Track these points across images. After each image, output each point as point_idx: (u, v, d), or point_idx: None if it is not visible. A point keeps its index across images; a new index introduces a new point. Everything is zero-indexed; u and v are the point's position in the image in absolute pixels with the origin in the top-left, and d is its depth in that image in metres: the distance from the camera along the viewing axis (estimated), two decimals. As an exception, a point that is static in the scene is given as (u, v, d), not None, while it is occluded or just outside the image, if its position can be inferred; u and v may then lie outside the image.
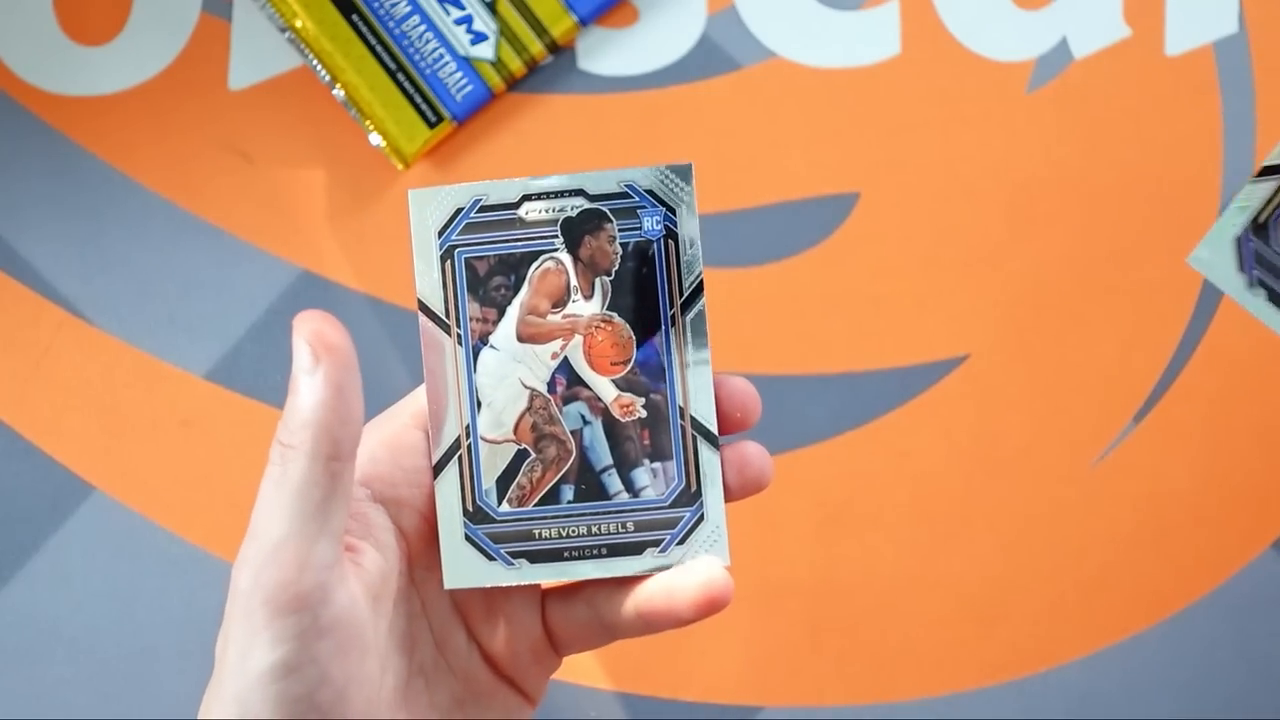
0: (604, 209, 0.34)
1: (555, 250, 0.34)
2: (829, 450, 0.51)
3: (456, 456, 0.34)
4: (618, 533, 0.34)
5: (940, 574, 0.51)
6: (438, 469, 0.34)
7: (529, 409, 0.34)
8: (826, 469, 0.51)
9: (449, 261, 0.34)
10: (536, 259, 0.34)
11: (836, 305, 0.51)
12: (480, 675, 0.35)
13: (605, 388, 0.34)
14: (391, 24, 0.50)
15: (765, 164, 0.51)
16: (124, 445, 0.51)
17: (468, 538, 0.34)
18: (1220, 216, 0.47)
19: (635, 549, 0.34)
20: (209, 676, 0.31)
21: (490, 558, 0.34)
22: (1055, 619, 0.51)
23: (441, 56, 0.50)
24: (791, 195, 0.51)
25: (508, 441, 0.34)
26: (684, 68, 0.52)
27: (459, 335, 0.34)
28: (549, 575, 0.34)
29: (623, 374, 0.34)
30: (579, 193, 0.34)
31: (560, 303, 0.34)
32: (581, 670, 0.51)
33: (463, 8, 0.50)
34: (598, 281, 0.34)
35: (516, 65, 0.51)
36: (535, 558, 0.34)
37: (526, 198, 0.34)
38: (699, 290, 0.34)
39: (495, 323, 0.34)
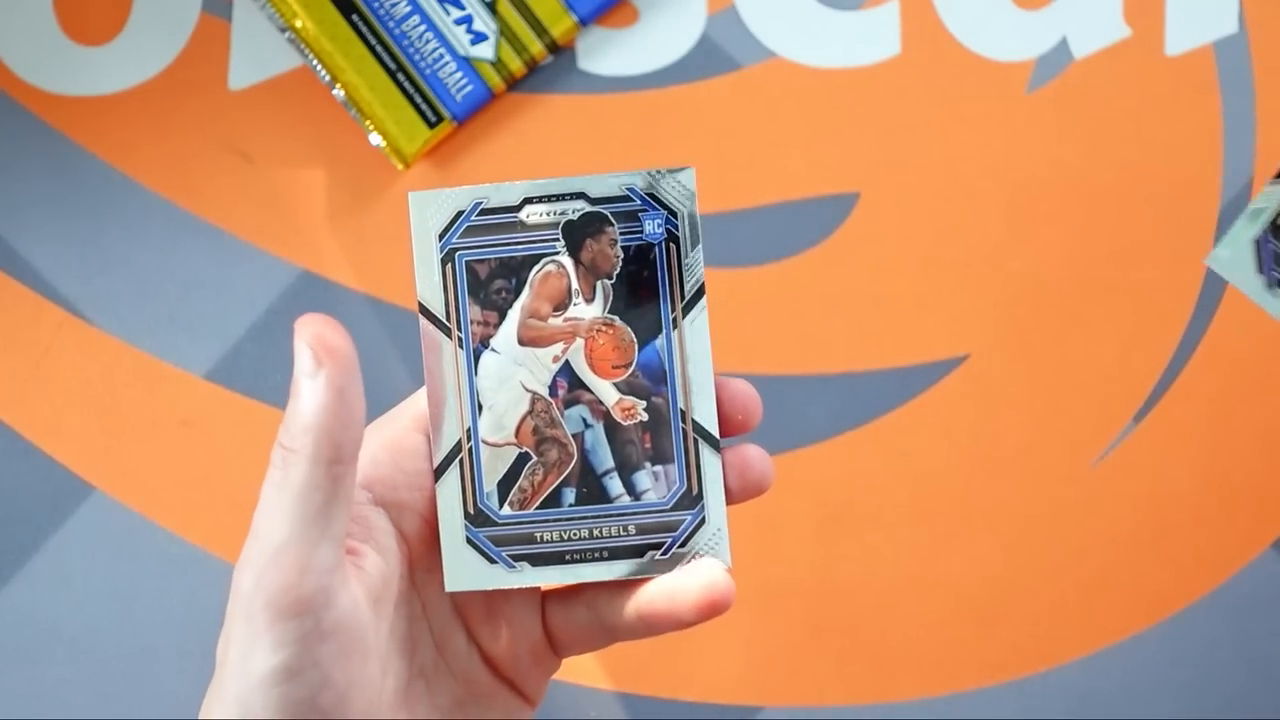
0: (605, 212, 0.34)
1: (556, 253, 0.34)
2: (829, 450, 0.51)
3: (458, 460, 0.34)
4: (619, 536, 0.34)
5: (940, 574, 0.51)
6: (439, 472, 0.34)
7: (530, 412, 0.34)
8: (826, 469, 0.51)
9: (450, 264, 0.34)
10: (537, 262, 0.34)
11: (836, 305, 0.51)
12: (480, 677, 0.35)
13: (607, 391, 0.34)
14: (391, 24, 0.50)
15: (765, 164, 0.51)
16: (124, 445, 0.51)
17: (469, 540, 0.34)
18: (1239, 217, 0.47)
19: (637, 552, 0.34)
20: (209, 676, 0.31)
21: (492, 560, 0.34)
22: (1055, 619, 0.51)
23: (441, 56, 0.50)
24: (791, 195, 0.51)
25: (509, 445, 0.34)
26: (684, 68, 0.52)
27: (460, 338, 0.34)
28: (550, 578, 0.34)
29: (624, 377, 0.34)
30: (580, 196, 0.34)
31: (561, 306, 0.34)
32: (581, 670, 0.51)
33: (463, 8, 0.50)
34: (599, 285, 0.34)
35: (516, 65, 0.51)
36: (537, 560, 0.34)
37: (527, 201, 0.34)
38: (700, 293, 0.34)
39: (496, 326, 0.34)
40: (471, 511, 0.34)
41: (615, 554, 0.34)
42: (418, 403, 0.34)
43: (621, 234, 0.34)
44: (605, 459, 0.34)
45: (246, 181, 0.51)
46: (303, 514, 0.29)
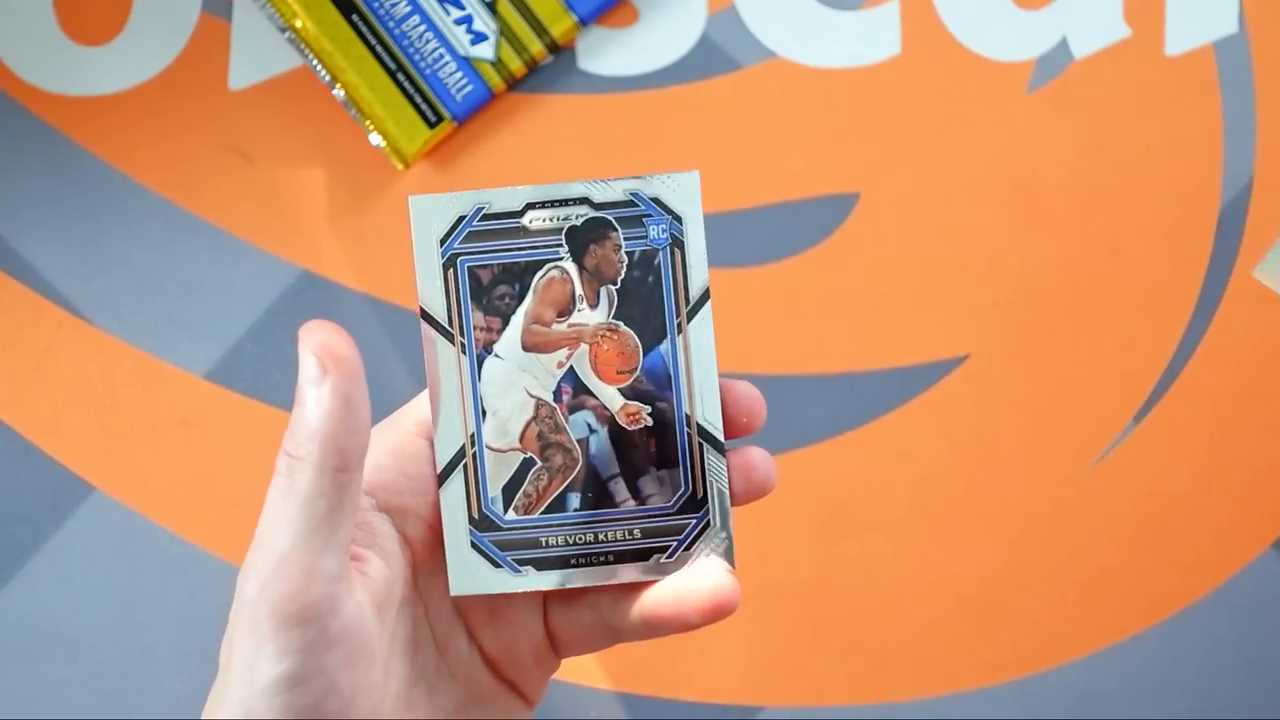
0: (609, 217, 0.33)
1: (560, 259, 0.34)
2: (829, 450, 0.51)
3: (461, 465, 0.34)
4: (624, 539, 0.34)
5: (940, 574, 0.51)
6: (442, 478, 0.34)
7: (535, 418, 0.34)
8: (826, 469, 0.51)
9: (451, 270, 0.34)
10: (541, 268, 0.34)
11: (836, 305, 0.51)
12: (481, 679, 0.35)
13: (611, 396, 0.34)
14: (391, 24, 0.50)
15: (765, 164, 0.51)
16: (124, 445, 0.51)
17: (474, 545, 0.34)
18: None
19: (642, 555, 0.34)
20: (209, 676, 0.31)
21: (496, 565, 0.34)
22: (1055, 619, 0.51)
23: (441, 56, 0.50)
24: (791, 195, 0.51)
25: (513, 450, 0.34)
26: (684, 68, 0.52)
27: (462, 344, 0.34)
28: (555, 582, 0.34)
29: (629, 382, 0.34)
30: (584, 201, 0.33)
31: (565, 312, 0.34)
32: (581, 670, 0.51)
33: (463, 8, 0.50)
34: (603, 290, 0.34)
35: (516, 65, 0.51)
36: (542, 565, 0.34)
37: (530, 206, 0.33)
38: (705, 297, 0.34)
39: (499, 332, 0.34)
40: (476, 516, 0.34)
41: (620, 558, 0.34)
42: (420, 407, 0.34)
43: (626, 239, 0.33)
44: (610, 464, 0.34)
45: (246, 181, 0.51)
46: (308, 521, 0.29)
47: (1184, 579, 0.51)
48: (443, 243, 0.34)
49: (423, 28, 0.50)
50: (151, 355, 0.51)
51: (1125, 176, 0.51)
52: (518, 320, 0.34)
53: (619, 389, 0.34)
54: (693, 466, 0.34)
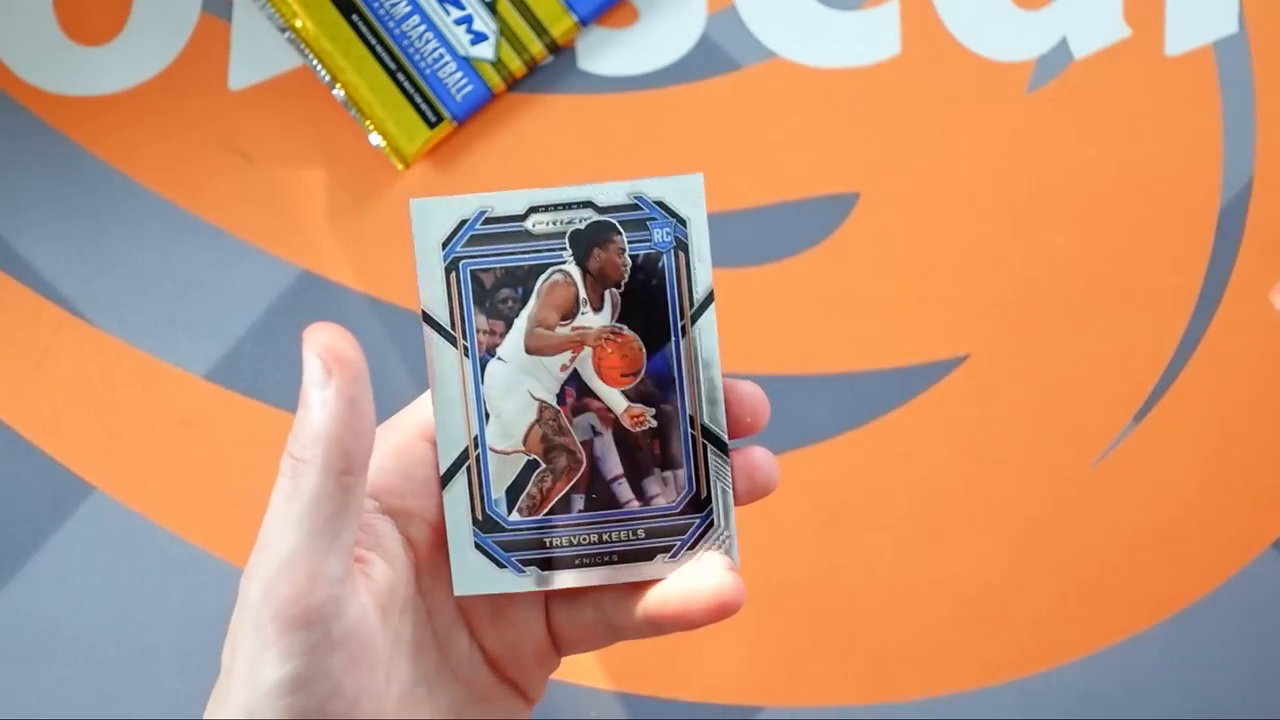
0: (613, 221, 0.33)
1: (563, 263, 0.33)
2: (829, 450, 0.51)
3: (465, 467, 0.34)
4: (629, 540, 0.34)
5: (940, 574, 0.51)
6: (445, 479, 0.34)
7: (538, 420, 0.34)
8: (826, 469, 0.51)
9: (454, 273, 0.33)
10: (544, 271, 0.33)
11: (836, 305, 0.51)
12: (482, 678, 0.35)
13: (615, 399, 0.34)
14: (391, 24, 0.50)
15: (765, 164, 0.51)
16: (124, 445, 0.51)
17: (477, 546, 0.34)
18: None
19: (646, 555, 0.34)
20: (209, 676, 0.31)
21: (501, 565, 0.34)
22: (1055, 619, 0.51)
23: (441, 56, 0.50)
24: (791, 195, 0.51)
25: (517, 452, 0.34)
26: (684, 68, 0.52)
27: (465, 347, 0.34)
28: (560, 582, 0.34)
29: (633, 385, 0.34)
30: (587, 205, 0.33)
31: (569, 315, 0.34)
32: (581, 670, 0.51)
33: (463, 8, 0.50)
34: (607, 293, 0.33)
35: (516, 65, 0.51)
36: (546, 565, 0.34)
37: (533, 210, 0.33)
38: (709, 299, 0.33)
39: (502, 335, 0.33)
40: (480, 518, 0.34)
41: (625, 558, 0.34)
42: (422, 409, 0.34)
43: (630, 242, 0.33)
44: (614, 465, 0.34)
45: (246, 181, 0.51)
46: (312, 524, 0.29)
47: (1184, 579, 0.51)
48: (445, 246, 0.33)
49: (423, 28, 0.50)
50: (151, 355, 0.51)
51: (1125, 176, 0.51)
52: (521, 323, 0.34)
53: (623, 391, 0.34)
54: (697, 468, 0.34)
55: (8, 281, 0.51)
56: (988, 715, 0.51)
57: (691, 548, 0.34)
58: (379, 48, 0.50)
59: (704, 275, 0.33)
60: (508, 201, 0.33)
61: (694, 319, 0.34)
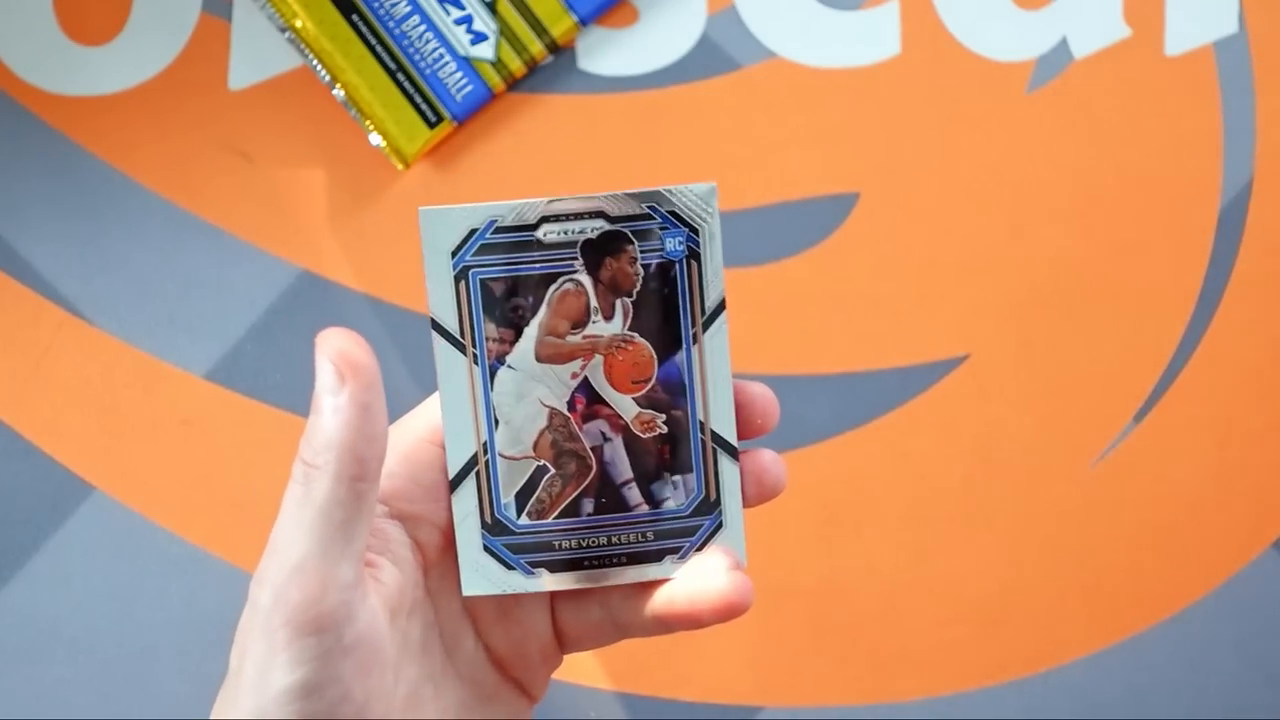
0: (625, 231, 0.33)
1: (574, 272, 0.33)
2: (829, 450, 0.51)
3: (474, 472, 0.34)
4: (637, 542, 0.34)
5: (940, 574, 0.51)
6: (454, 484, 0.34)
7: (549, 427, 0.34)
8: (827, 469, 0.51)
9: (463, 282, 0.33)
10: (555, 280, 0.33)
11: (836, 305, 0.51)
12: (486, 678, 0.35)
13: (626, 405, 0.34)
14: (391, 24, 0.50)
15: (765, 164, 0.51)
16: (124, 445, 0.51)
17: (486, 548, 0.34)
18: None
19: (654, 557, 0.34)
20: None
21: (509, 567, 0.34)
22: (1056, 619, 0.51)
23: (441, 56, 0.50)
24: (791, 195, 0.51)
25: (527, 458, 0.34)
26: (684, 68, 0.52)
27: (475, 355, 0.33)
28: (568, 583, 0.34)
29: (643, 392, 0.34)
30: (599, 214, 0.33)
31: (580, 324, 0.33)
32: (581, 670, 0.51)
33: (463, 8, 0.50)
34: (618, 302, 0.33)
35: (516, 65, 0.51)
36: (555, 567, 0.34)
37: (545, 220, 0.33)
38: (721, 307, 0.33)
39: (512, 343, 0.33)
40: (488, 521, 0.34)
41: (633, 559, 0.34)
42: (430, 412, 0.34)
43: (642, 252, 0.33)
44: (624, 470, 0.34)
45: (246, 181, 0.51)
46: (324, 530, 0.29)
47: (1184, 579, 0.51)
48: (454, 254, 0.33)
49: (423, 28, 0.50)
50: (151, 355, 0.51)
51: (1125, 176, 0.51)
52: (531, 332, 0.33)
53: (633, 398, 0.34)
54: (706, 471, 0.34)
55: (8, 281, 0.51)
56: (988, 715, 0.51)
57: (700, 549, 0.34)
58: (379, 48, 0.50)
59: (716, 284, 0.33)
60: (519, 211, 0.33)
61: (706, 326, 0.34)
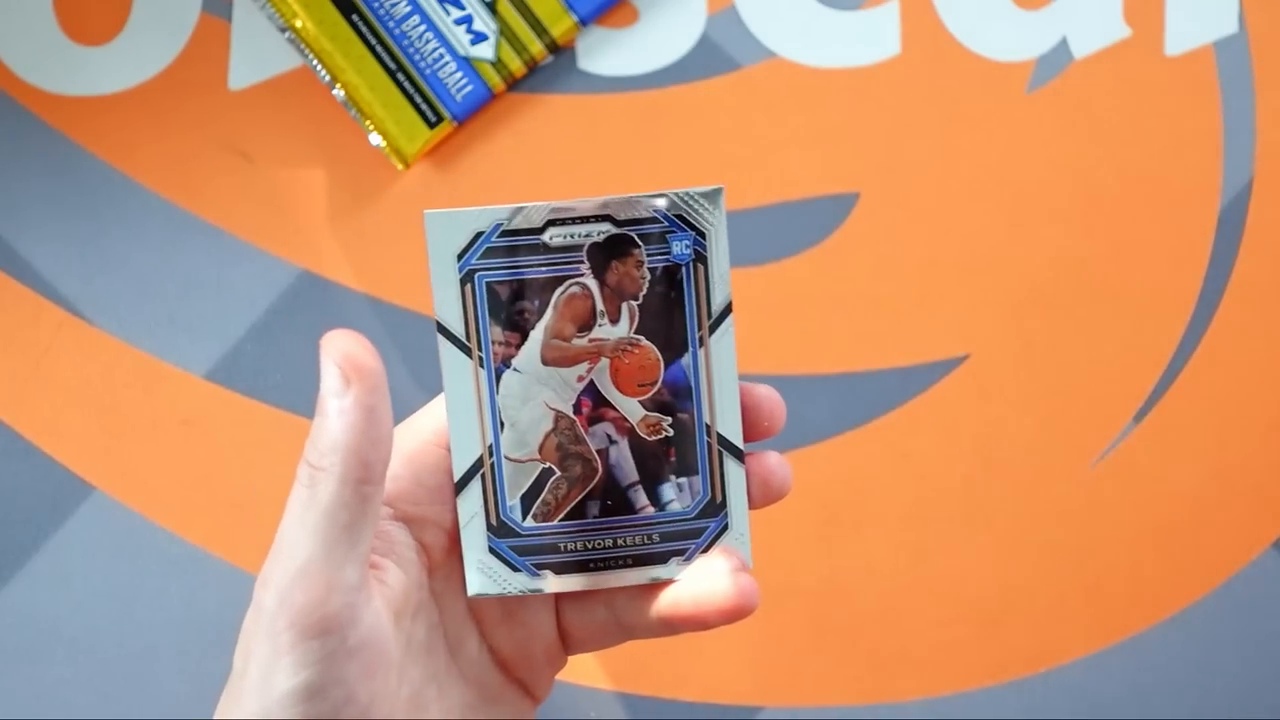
0: (632, 234, 0.33)
1: (580, 275, 0.33)
2: (829, 450, 0.51)
3: (479, 475, 0.34)
4: (643, 544, 0.34)
5: (941, 574, 0.51)
6: (460, 486, 0.34)
7: (554, 429, 0.34)
8: (827, 469, 0.51)
9: (469, 285, 0.33)
10: (561, 284, 0.33)
11: (836, 305, 0.51)
12: (490, 679, 0.35)
13: (632, 408, 0.34)
14: (391, 24, 0.50)
15: (765, 164, 0.51)
16: (124, 445, 0.51)
17: (492, 550, 0.34)
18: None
19: (660, 558, 0.34)
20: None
21: (515, 568, 0.34)
22: (1056, 619, 0.51)
23: (441, 56, 0.50)
24: (791, 195, 0.51)
25: (532, 460, 0.34)
26: (684, 68, 0.52)
27: (480, 358, 0.33)
28: (573, 585, 0.34)
29: (649, 395, 0.34)
30: (605, 218, 0.33)
31: (586, 327, 0.33)
32: (581, 670, 0.51)
33: (463, 8, 0.50)
34: (625, 305, 0.33)
35: (516, 65, 0.51)
36: (560, 569, 0.34)
37: (551, 223, 0.33)
38: (727, 310, 0.33)
39: (518, 346, 0.33)
40: (494, 523, 0.34)
41: (639, 561, 0.34)
42: (435, 414, 0.34)
43: (648, 255, 0.33)
44: (630, 473, 0.34)
45: (246, 181, 0.51)
46: (329, 533, 0.29)
47: (1184, 579, 0.51)
48: (460, 258, 0.33)
49: (423, 28, 0.50)
50: (151, 355, 0.51)
51: (1125, 176, 0.51)
52: (537, 335, 0.33)
53: (639, 401, 0.34)
54: (712, 474, 0.34)
55: (8, 281, 0.51)
56: (988, 715, 0.51)
57: (705, 550, 0.34)
58: (379, 48, 0.50)
59: (722, 287, 0.33)
60: (525, 215, 0.33)
61: (712, 329, 0.34)
